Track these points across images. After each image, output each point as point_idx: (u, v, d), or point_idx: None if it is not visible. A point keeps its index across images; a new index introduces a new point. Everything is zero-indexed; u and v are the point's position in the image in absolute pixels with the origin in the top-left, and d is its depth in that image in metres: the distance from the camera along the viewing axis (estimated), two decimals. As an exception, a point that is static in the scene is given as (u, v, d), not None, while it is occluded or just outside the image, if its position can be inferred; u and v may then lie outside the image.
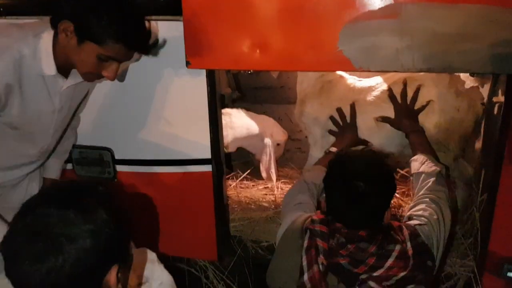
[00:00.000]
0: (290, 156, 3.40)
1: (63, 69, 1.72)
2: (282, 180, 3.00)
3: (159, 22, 1.99)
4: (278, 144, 2.96)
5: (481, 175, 2.15)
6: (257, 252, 2.42)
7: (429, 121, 2.22)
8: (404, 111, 2.17)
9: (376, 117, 2.27)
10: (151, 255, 1.50)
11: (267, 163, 2.91)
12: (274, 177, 2.90)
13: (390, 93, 2.22)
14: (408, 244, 1.50)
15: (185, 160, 2.28)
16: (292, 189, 2.03)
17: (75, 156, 2.44)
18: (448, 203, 1.75)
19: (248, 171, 3.08)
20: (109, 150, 2.39)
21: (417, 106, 2.19)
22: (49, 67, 1.66)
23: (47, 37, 1.63)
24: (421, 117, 2.22)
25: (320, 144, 2.64)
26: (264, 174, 2.93)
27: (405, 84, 2.19)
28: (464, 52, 1.58)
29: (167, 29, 2.00)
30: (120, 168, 2.42)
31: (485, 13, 1.53)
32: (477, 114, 2.21)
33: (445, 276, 2.19)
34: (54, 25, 1.61)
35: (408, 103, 2.17)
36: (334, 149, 2.19)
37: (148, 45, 1.72)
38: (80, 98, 2.02)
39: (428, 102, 2.18)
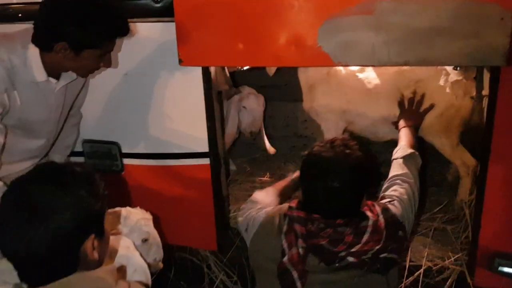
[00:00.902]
0: (296, 153, 3.47)
1: (54, 73, 1.87)
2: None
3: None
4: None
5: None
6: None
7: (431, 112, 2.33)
8: (408, 113, 2.29)
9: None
10: (126, 242, 1.63)
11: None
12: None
13: (400, 100, 2.34)
14: (381, 217, 1.55)
15: (185, 154, 2.39)
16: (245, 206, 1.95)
17: (87, 150, 2.60)
18: (413, 180, 1.79)
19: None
20: (116, 144, 2.53)
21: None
22: (40, 73, 1.81)
23: (34, 47, 1.77)
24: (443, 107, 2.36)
25: (334, 130, 2.74)
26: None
27: (414, 93, 2.32)
28: (437, 46, 1.62)
29: (167, 31, 2.12)
30: (127, 161, 2.56)
31: (457, 7, 1.58)
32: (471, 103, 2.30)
33: (438, 270, 2.20)
34: (43, 47, 1.75)
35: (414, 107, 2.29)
36: (295, 175, 2.09)
37: (129, 27, 1.83)
38: (76, 92, 2.17)
39: (431, 105, 2.30)
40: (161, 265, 1.86)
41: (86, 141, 2.56)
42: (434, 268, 2.19)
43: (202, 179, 2.40)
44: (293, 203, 1.62)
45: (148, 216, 1.84)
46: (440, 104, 2.36)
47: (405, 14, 1.63)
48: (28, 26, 1.85)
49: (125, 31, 1.81)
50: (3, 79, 1.75)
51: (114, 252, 1.56)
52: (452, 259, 2.18)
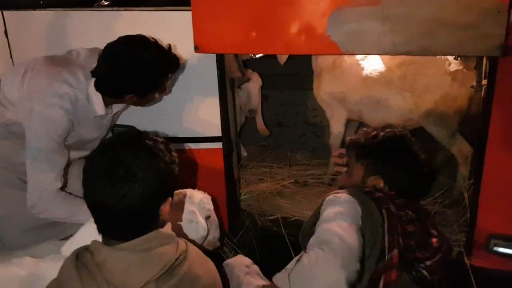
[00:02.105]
0: (305, 140, 3.57)
1: (108, 104, 2.08)
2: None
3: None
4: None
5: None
6: (264, 225, 2.63)
7: (428, 99, 2.42)
8: None
9: None
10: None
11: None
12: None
13: None
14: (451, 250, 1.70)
15: (198, 138, 2.51)
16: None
17: (105, 133, 2.73)
18: None
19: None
20: (133, 128, 2.64)
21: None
22: (100, 109, 2.02)
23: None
24: (420, 97, 2.44)
25: (337, 118, 2.87)
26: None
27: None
28: (439, 36, 1.72)
29: (184, 19, 2.23)
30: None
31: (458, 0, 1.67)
32: (470, 92, 2.38)
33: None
34: (118, 96, 2.00)
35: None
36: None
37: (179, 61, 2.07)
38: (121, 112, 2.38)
39: None
40: (218, 243, 1.96)
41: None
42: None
43: (215, 162, 2.51)
44: (380, 194, 1.57)
45: (208, 196, 1.96)
46: (436, 92, 2.45)
47: (409, 5, 1.73)
48: (90, 52, 2.05)
49: (177, 66, 2.05)
50: (69, 111, 1.93)
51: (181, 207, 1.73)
52: (451, 240, 2.29)
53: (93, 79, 1.94)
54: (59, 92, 1.91)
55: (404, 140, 1.70)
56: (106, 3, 2.45)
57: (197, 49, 2.12)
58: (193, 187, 2.60)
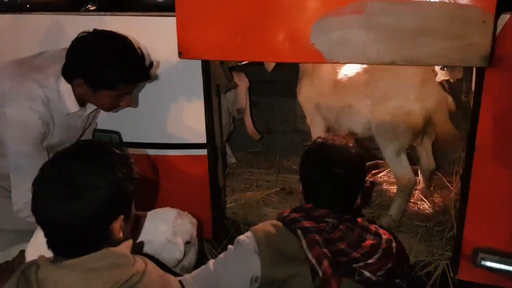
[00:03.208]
0: (294, 147, 3.55)
1: (81, 102, 2.00)
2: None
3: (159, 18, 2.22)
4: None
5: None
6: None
7: (382, 108, 2.38)
8: None
9: None
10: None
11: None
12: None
13: None
14: (393, 244, 1.58)
15: (183, 144, 2.48)
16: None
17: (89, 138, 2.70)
18: None
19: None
20: (117, 133, 2.61)
21: None
22: (73, 105, 1.94)
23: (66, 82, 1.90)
24: (377, 107, 2.40)
25: (316, 123, 2.83)
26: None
27: None
28: (423, 46, 1.70)
29: (168, 25, 2.20)
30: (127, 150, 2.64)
31: (442, 10, 1.65)
32: (426, 107, 2.32)
33: (422, 265, 2.27)
34: (68, 80, 1.88)
35: None
36: None
37: (150, 73, 1.94)
38: (94, 114, 2.30)
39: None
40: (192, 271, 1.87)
41: (88, 130, 2.65)
42: (420, 264, 2.26)
43: (200, 169, 2.48)
44: (292, 215, 1.55)
45: (195, 221, 1.93)
46: (391, 102, 2.33)
47: (393, 15, 1.70)
48: (58, 53, 1.96)
49: (142, 78, 1.93)
50: (43, 113, 1.87)
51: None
52: (438, 255, 2.26)
53: (63, 81, 1.88)
54: (30, 93, 1.85)
55: (319, 145, 1.60)
56: (92, 8, 2.43)
57: (180, 54, 2.09)
58: (178, 195, 2.61)
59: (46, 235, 1.16)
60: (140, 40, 2.34)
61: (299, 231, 1.48)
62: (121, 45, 1.83)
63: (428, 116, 2.35)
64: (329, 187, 1.54)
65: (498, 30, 1.72)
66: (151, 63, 1.95)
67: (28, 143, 1.87)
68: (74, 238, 1.14)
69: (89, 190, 1.11)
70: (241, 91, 3.09)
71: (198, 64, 2.25)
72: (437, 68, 2.14)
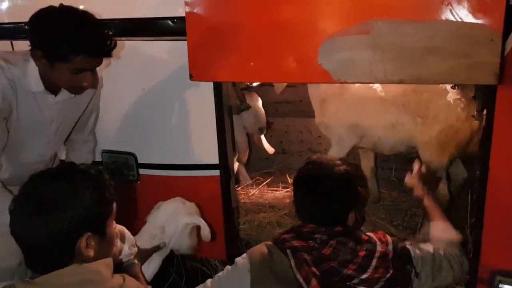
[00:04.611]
0: (310, 168, 3.52)
1: (52, 88, 1.95)
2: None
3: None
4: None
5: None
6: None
7: (433, 128, 2.42)
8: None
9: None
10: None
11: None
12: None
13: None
14: (390, 246, 1.57)
15: (196, 165, 2.51)
16: None
17: (105, 159, 2.75)
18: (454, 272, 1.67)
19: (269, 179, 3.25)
20: (133, 155, 2.67)
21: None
22: (37, 84, 1.90)
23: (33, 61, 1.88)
24: (428, 125, 2.46)
25: (341, 146, 2.79)
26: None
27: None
28: (430, 65, 1.69)
29: (182, 49, 2.25)
30: (143, 171, 2.69)
31: (449, 28, 1.64)
32: (473, 126, 2.36)
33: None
34: (31, 53, 1.85)
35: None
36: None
37: (110, 49, 1.83)
38: (79, 111, 2.24)
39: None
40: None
41: (105, 151, 2.71)
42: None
43: (212, 190, 2.49)
44: (286, 235, 1.60)
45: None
46: (442, 122, 2.41)
47: (400, 34, 1.70)
48: None
49: (96, 52, 1.82)
50: (5, 89, 1.84)
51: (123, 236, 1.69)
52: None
53: (32, 61, 1.84)
54: None
55: (306, 168, 1.68)
56: (110, 33, 2.50)
57: (191, 77, 2.13)
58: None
59: (22, 252, 1.20)
60: (153, 63, 2.43)
61: (288, 251, 1.53)
62: (77, 17, 1.79)
63: (473, 135, 2.45)
64: (314, 203, 1.59)
65: (509, 47, 1.70)
66: (115, 42, 1.86)
67: None
68: (41, 253, 1.17)
69: (55, 207, 1.15)
70: (259, 109, 3.12)
71: (210, 85, 2.29)
72: (448, 87, 2.13)
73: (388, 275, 1.49)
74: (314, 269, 1.46)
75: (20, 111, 1.93)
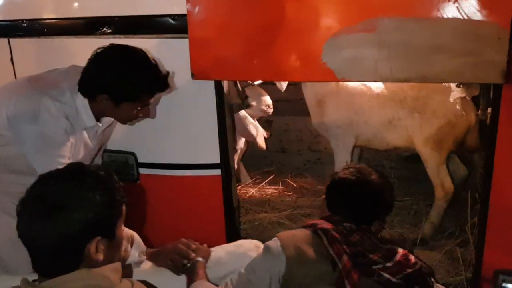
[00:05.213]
0: (310, 167, 3.52)
1: (97, 117, 2.03)
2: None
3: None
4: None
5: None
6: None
7: (432, 123, 2.44)
8: None
9: None
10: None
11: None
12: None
13: None
14: (410, 256, 1.58)
15: (197, 165, 2.48)
16: None
17: (105, 159, 2.70)
18: None
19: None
20: (133, 154, 2.63)
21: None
22: (90, 119, 1.97)
23: (82, 98, 1.92)
24: (426, 120, 2.49)
25: (342, 146, 2.80)
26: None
27: None
28: (437, 63, 1.67)
29: (182, 46, 2.22)
30: (142, 171, 2.65)
31: (456, 26, 1.63)
32: (469, 121, 2.42)
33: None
34: (88, 96, 1.91)
35: None
36: (199, 259, 1.85)
37: (168, 82, 1.98)
38: (109, 134, 2.34)
39: None
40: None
41: (105, 151, 2.66)
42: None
43: (213, 189, 2.47)
44: (316, 221, 1.67)
45: None
46: (440, 118, 2.44)
47: (406, 32, 1.69)
48: (70, 69, 2.01)
49: (162, 88, 1.96)
50: (66, 127, 1.90)
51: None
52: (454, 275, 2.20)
53: (79, 95, 1.90)
54: (50, 110, 1.86)
55: (346, 176, 1.71)
56: (108, 31, 2.47)
57: (193, 76, 2.10)
58: (192, 215, 2.60)
59: (29, 255, 1.17)
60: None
61: (320, 231, 1.58)
62: (138, 56, 1.87)
63: (468, 130, 2.49)
64: (349, 205, 1.66)
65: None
66: (167, 72, 1.97)
67: (59, 162, 1.85)
68: (48, 257, 1.14)
69: (64, 209, 1.12)
70: (262, 92, 3.11)
71: (211, 84, 2.26)
72: (452, 85, 2.11)
73: (409, 271, 1.51)
74: (345, 247, 1.52)
75: (76, 145, 2.00)
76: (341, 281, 1.47)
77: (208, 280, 1.75)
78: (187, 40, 2.11)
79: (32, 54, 2.66)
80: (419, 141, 2.56)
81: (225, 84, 2.32)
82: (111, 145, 2.65)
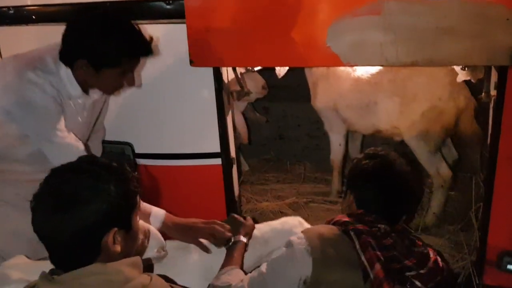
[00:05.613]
0: (308, 153, 3.49)
1: (84, 89, 1.94)
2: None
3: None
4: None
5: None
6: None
7: (415, 109, 2.36)
8: None
9: None
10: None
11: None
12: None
13: None
14: (439, 259, 1.55)
15: (197, 154, 2.43)
16: None
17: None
18: None
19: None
20: (129, 145, 2.58)
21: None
22: (74, 89, 1.89)
23: (65, 67, 1.85)
24: (408, 107, 2.39)
25: (335, 128, 2.77)
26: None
27: None
28: (444, 46, 1.64)
29: (178, 32, 2.16)
30: (140, 161, 2.61)
31: (463, 8, 1.59)
32: (458, 105, 2.34)
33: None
34: (67, 63, 1.82)
35: None
36: (242, 238, 1.83)
37: (151, 47, 1.86)
38: (99, 108, 2.24)
39: None
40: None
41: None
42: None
43: (214, 179, 2.43)
44: (347, 219, 1.54)
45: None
46: (423, 103, 2.35)
47: (412, 14, 1.64)
48: (53, 44, 1.90)
49: (144, 53, 1.85)
50: (56, 95, 1.83)
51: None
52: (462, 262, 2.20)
53: (63, 65, 1.83)
54: (36, 81, 1.79)
55: (376, 158, 1.60)
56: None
57: (192, 62, 2.05)
58: (193, 205, 2.56)
59: (46, 249, 1.17)
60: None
61: (352, 233, 1.45)
62: (118, 19, 1.79)
63: (459, 115, 2.39)
64: (386, 198, 1.54)
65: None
66: (151, 38, 1.88)
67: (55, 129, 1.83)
68: (65, 250, 1.14)
69: (79, 202, 1.12)
70: (256, 74, 3.06)
71: (210, 71, 2.21)
72: (457, 68, 2.08)
73: (439, 278, 1.47)
74: (378, 253, 1.41)
75: (65, 115, 1.91)
76: None
77: (242, 265, 1.73)
78: (184, 25, 2.05)
79: (20, 43, 2.58)
80: (403, 129, 2.47)
81: (223, 71, 2.27)
82: (107, 135, 2.60)
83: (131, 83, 1.92)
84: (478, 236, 2.15)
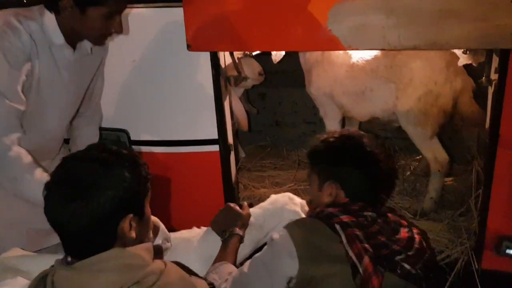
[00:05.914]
0: (305, 140, 3.46)
1: (70, 42, 1.87)
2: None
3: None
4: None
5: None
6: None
7: (411, 94, 2.35)
8: None
9: None
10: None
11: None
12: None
13: None
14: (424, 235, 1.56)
15: (194, 141, 2.41)
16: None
17: (95, 137, 2.62)
18: None
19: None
20: (125, 131, 2.54)
21: None
22: (57, 36, 1.80)
23: (49, 13, 1.78)
24: (404, 92, 2.38)
25: (330, 114, 2.75)
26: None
27: None
28: (447, 29, 1.62)
29: (175, 16, 2.11)
30: (136, 148, 2.57)
31: (467, -10, 1.56)
32: (455, 88, 2.33)
33: (446, 255, 2.22)
34: (52, 7, 1.75)
35: None
36: (237, 231, 1.80)
37: None
38: (92, 73, 2.14)
39: None
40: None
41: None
42: (442, 253, 2.22)
43: (211, 166, 2.41)
44: (331, 209, 1.48)
45: None
46: (419, 88, 2.34)
47: (415, -3, 1.62)
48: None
49: None
50: (27, 44, 1.74)
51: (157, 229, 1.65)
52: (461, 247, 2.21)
53: (48, 13, 1.77)
54: (11, 23, 1.71)
55: (353, 140, 1.55)
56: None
57: (189, 47, 2.01)
58: (191, 192, 2.54)
59: (60, 238, 1.17)
60: (147, 32, 2.28)
61: (337, 226, 1.41)
62: None
63: (456, 98, 2.37)
64: (368, 182, 1.51)
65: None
66: None
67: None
68: (81, 238, 1.14)
69: (94, 189, 1.12)
70: (253, 60, 3.02)
71: (206, 56, 2.17)
72: (458, 52, 2.07)
73: (426, 256, 1.47)
74: (366, 245, 1.39)
75: (40, 69, 1.83)
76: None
77: (235, 259, 1.73)
78: (181, 9, 2.00)
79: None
80: (400, 115, 2.45)
81: (220, 55, 2.23)
82: (103, 122, 2.56)
83: (119, 29, 1.84)
84: (477, 221, 2.16)
